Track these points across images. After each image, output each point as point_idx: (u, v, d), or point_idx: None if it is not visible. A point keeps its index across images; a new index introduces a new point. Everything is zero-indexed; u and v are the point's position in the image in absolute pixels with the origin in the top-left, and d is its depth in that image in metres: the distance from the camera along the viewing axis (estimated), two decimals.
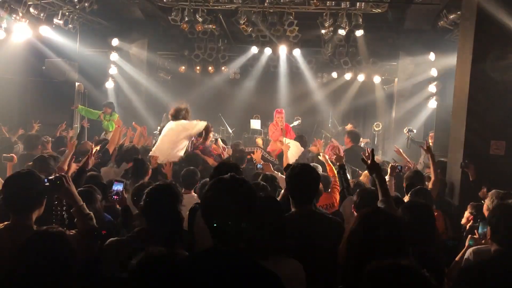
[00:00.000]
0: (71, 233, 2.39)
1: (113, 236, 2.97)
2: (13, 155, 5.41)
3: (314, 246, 2.89)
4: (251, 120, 13.42)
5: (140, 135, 8.29)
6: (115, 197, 3.62)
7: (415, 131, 11.13)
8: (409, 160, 7.40)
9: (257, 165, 6.21)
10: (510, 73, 5.62)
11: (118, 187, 3.65)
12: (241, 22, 10.73)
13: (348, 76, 13.04)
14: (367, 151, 3.67)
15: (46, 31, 9.87)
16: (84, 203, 2.65)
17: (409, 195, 4.35)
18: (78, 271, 2.35)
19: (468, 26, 5.94)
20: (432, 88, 11.76)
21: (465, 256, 3.19)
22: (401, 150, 7.61)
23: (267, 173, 5.12)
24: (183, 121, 6.94)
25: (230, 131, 13.01)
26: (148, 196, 2.89)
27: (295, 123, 11.91)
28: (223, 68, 13.68)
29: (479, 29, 5.66)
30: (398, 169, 5.51)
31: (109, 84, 12.80)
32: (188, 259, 2.06)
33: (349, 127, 11.69)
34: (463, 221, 4.44)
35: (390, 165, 5.46)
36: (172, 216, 2.86)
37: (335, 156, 5.33)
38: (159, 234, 2.73)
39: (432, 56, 11.50)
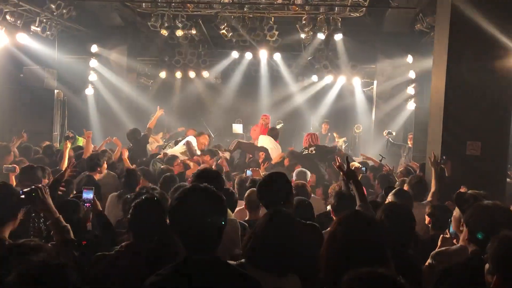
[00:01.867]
0: (48, 245, 2.36)
1: (93, 247, 2.93)
2: (15, 165, 5.36)
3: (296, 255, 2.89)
4: (233, 124, 13.45)
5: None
6: (87, 205, 3.53)
7: (394, 133, 11.29)
8: (377, 160, 7.76)
9: (246, 171, 6.22)
10: (485, 74, 5.73)
11: (88, 195, 3.55)
12: (221, 27, 10.75)
13: (328, 79, 13.16)
14: (337, 160, 3.70)
15: (23, 38, 9.74)
16: (60, 216, 2.62)
17: (389, 196, 4.36)
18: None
19: (443, 28, 6.04)
20: (411, 90, 11.94)
21: (427, 262, 3.13)
22: (368, 155, 7.99)
23: (255, 178, 5.28)
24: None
25: (213, 135, 12.98)
26: (133, 210, 2.87)
27: (277, 126, 11.97)
28: (204, 73, 13.66)
29: (453, 31, 5.76)
30: (362, 171, 5.55)
31: (89, 91, 12.69)
32: (165, 273, 2.02)
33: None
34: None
35: (353, 166, 5.43)
36: (159, 230, 2.82)
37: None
38: (146, 249, 2.71)
39: (410, 58, 11.69)
